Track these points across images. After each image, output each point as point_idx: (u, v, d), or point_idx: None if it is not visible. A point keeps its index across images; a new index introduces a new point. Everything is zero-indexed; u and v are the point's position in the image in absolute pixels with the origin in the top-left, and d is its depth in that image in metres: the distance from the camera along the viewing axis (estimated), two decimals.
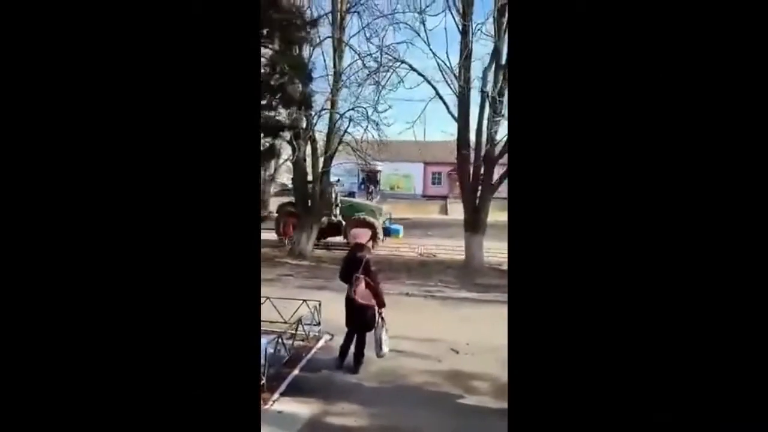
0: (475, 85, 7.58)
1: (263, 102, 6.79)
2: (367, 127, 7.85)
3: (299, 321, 4.27)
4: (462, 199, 8.31)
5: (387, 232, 11.60)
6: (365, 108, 7.80)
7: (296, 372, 3.67)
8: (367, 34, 7.49)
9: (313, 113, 8.28)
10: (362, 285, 3.68)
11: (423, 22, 7.33)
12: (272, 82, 6.95)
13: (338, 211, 10.62)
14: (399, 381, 3.63)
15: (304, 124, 8.18)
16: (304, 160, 8.72)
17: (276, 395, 3.22)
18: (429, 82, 7.37)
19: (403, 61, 7.24)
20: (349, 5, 8.12)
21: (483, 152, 7.72)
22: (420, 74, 7.38)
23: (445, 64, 7.30)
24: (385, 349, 3.73)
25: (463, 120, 7.71)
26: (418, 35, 7.38)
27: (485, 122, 7.55)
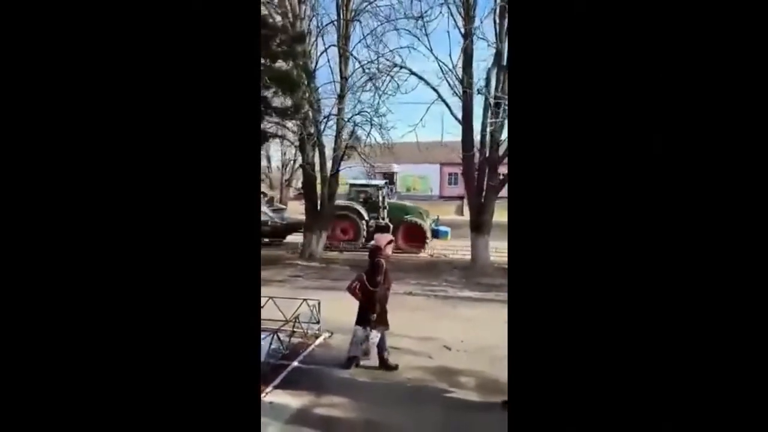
0: (479, 86, 7.64)
1: None
2: (370, 131, 8.01)
3: (296, 319, 4.45)
4: (467, 200, 8.36)
5: (435, 234, 11.61)
6: (368, 112, 7.97)
7: (291, 366, 3.86)
8: (368, 42, 7.66)
9: (321, 118, 8.51)
10: (359, 284, 3.94)
11: (424, 27, 7.44)
12: None
13: (386, 214, 10.71)
14: (389, 376, 3.77)
15: (312, 130, 8.41)
16: (313, 165, 8.96)
17: (269, 388, 3.41)
18: (431, 86, 7.48)
19: (402, 66, 7.37)
20: (353, 14, 8.32)
21: (487, 153, 7.76)
22: (420, 78, 7.50)
23: (448, 67, 7.39)
24: (358, 351, 3.88)
25: (466, 122, 7.78)
26: (419, 39, 7.49)
27: (489, 124, 7.59)
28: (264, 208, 10.80)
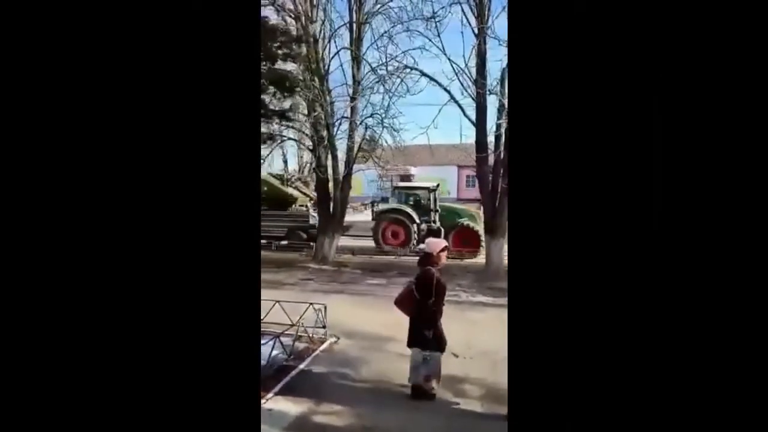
0: (492, 87, 7.49)
1: None
2: (381, 133, 7.97)
3: (296, 323, 4.42)
4: (481, 202, 8.21)
5: None
6: (379, 115, 7.93)
7: (294, 372, 3.83)
8: (379, 44, 7.62)
9: (332, 121, 8.52)
10: (407, 295, 3.38)
11: (436, 27, 7.35)
12: None
13: (437, 218, 10.48)
14: (392, 383, 3.70)
15: (324, 133, 8.44)
16: (325, 168, 8.98)
17: (270, 394, 3.40)
18: (442, 87, 7.38)
19: (412, 68, 7.30)
20: (365, 17, 8.30)
21: (501, 155, 7.60)
22: (432, 79, 7.41)
23: (461, 68, 7.28)
24: (419, 378, 3.29)
25: (480, 123, 7.64)
26: (431, 41, 7.41)
27: (503, 125, 7.43)
28: (313, 213, 10.70)
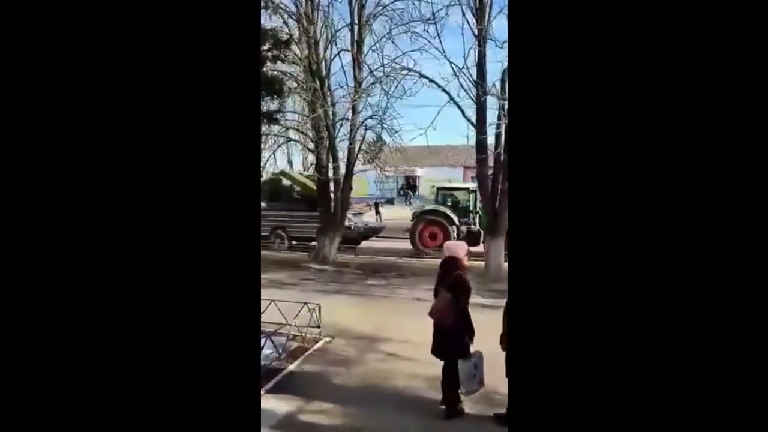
0: (492, 88, 7.47)
1: None
2: (381, 133, 7.99)
3: (290, 323, 4.45)
4: (482, 203, 8.19)
5: None
6: (379, 116, 7.96)
7: (286, 371, 3.87)
8: (379, 46, 7.66)
9: (332, 122, 8.57)
10: (443, 304, 3.14)
11: (436, 28, 7.36)
12: None
13: (477, 219, 10.24)
14: (383, 383, 3.71)
15: (325, 134, 8.49)
16: (327, 169, 9.02)
17: (261, 392, 3.43)
18: (441, 88, 7.38)
19: (410, 69, 7.31)
20: (367, 19, 8.34)
21: (501, 157, 7.58)
22: (431, 80, 7.41)
23: (460, 69, 7.28)
24: (475, 386, 3.12)
25: (480, 124, 7.62)
26: (430, 42, 7.42)
27: (503, 126, 7.41)
28: (349, 214, 10.55)
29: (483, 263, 8.02)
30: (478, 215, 10.30)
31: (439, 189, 11.34)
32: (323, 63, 8.51)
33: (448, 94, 7.44)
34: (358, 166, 9.60)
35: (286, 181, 11.54)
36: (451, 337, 3.14)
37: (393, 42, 7.81)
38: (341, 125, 8.83)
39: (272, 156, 10.11)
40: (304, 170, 16.27)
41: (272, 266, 8.46)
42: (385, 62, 7.39)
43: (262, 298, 3.55)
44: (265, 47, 7.07)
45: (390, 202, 22.88)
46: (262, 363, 3.77)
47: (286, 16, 8.24)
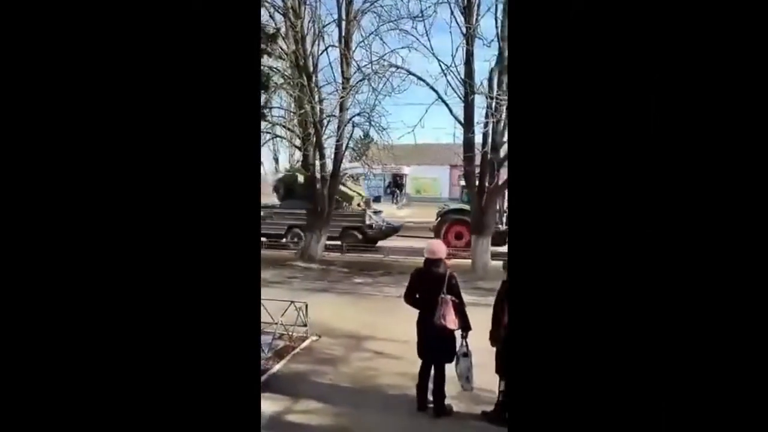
0: (480, 87, 7.49)
1: None
2: (368, 131, 7.95)
3: (277, 321, 4.39)
4: (469, 201, 8.23)
5: None
6: (367, 113, 7.91)
7: (273, 370, 3.81)
8: (367, 42, 7.60)
9: (319, 119, 8.48)
10: (451, 308, 3.03)
11: (424, 26, 7.35)
12: None
13: (505, 219, 9.84)
14: (370, 382, 3.69)
15: (312, 130, 8.40)
16: (313, 165, 8.93)
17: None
18: (429, 86, 7.37)
19: (398, 67, 7.29)
20: (355, 14, 8.27)
21: (489, 155, 7.62)
22: (420, 78, 7.40)
23: (448, 67, 7.28)
24: (474, 381, 3.11)
25: (467, 123, 7.65)
26: (418, 40, 7.40)
27: (490, 124, 7.45)
28: (369, 212, 10.41)
29: (470, 261, 8.07)
30: (506, 215, 9.95)
31: (463, 187, 11.04)
32: (310, 58, 8.40)
33: (436, 92, 7.45)
34: (345, 164, 9.52)
35: (302, 178, 11.04)
36: (451, 340, 3.09)
37: (381, 39, 7.78)
38: (329, 122, 8.75)
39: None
40: (291, 167, 16.06)
41: None
42: (373, 59, 7.34)
43: None
44: None
45: (377, 200, 22.88)
46: None
47: (272, 10, 8.11)
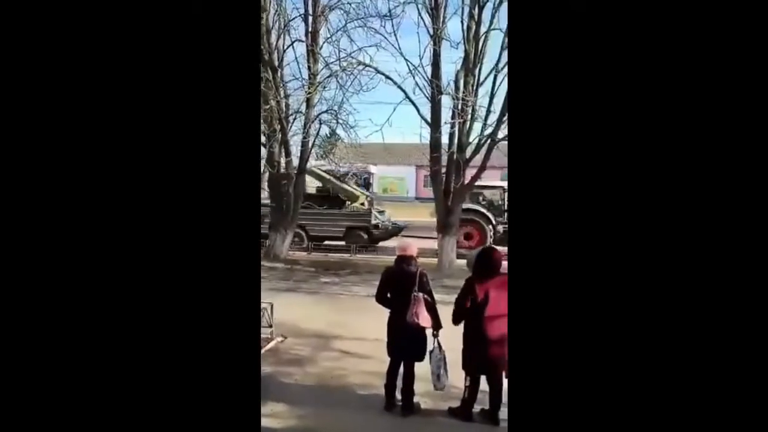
0: (447, 88, 7.59)
1: None
2: (336, 128, 7.87)
3: None
4: (435, 201, 8.33)
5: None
6: (335, 110, 7.83)
7: None
8: (334, 39, 7.52)
9: (285, 115, 8.30)
10: (423, 306, 3.01)
11: (392, 25, 7.36)
12: None
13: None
14: (338, 382, 3.64)
15: (277, 127, 8.20)
16: (278, 162, 8.73)
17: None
18: (397, 85, 7.40)
19: (366, 65, 7.26)
20: (322, 10, 8.15)
21: (455, 155, 7.73)
22: (387, 77, 7.41)
23: (416, 68, 7.33)
24: (446, 380, 3.08)
25: (434, 123, 7.73)
26: (386, 39, 7.40)
27: (456, 125, 7.57)
28: (374, 212, 10.04)
29: (436, 260, 8.16)
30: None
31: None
32: (276, 53, 8.20)
33: (403, 91, 7.49)
34: (311, 162, 9.37)
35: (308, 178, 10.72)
36: (422, 338, 3.07)
37: (349, 36, 7.71)
38: (295, 118, 8.58)
39: None
40: None
41: None
42: (341, 56, 7.26)
43: None
44: None
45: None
46: None
47: None
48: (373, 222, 9.81)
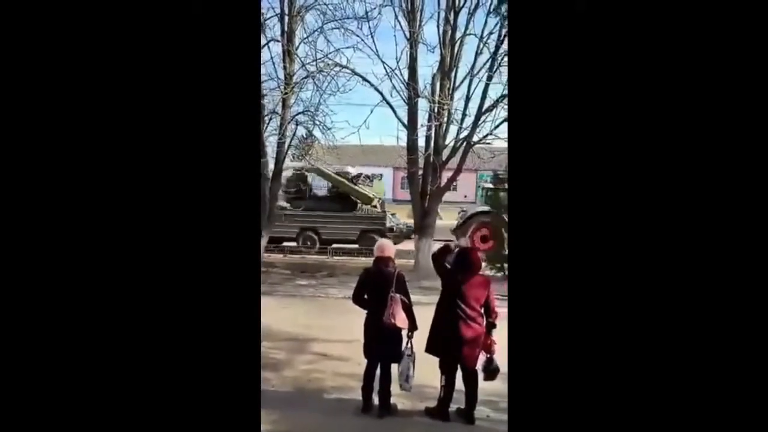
0: (424, 91, 7.66)
1: None
2: (312, 129, 7.81)
3: None
4: (411, 203, 8.38)
5: None
6: (311, 111, 7.76)
7: None
8: (310, 39, 7.47)
9: (263, 115, 8.17)
10: (400, 307, 2.99)
11: (369, 27, 7.37)
12: None
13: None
14: (314, 385, 3.60)
15: None
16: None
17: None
18: (374, 87, 7.41)
19: (343, 66, 7.25)
20: (298, 9, 8.07)
21: (431, 158, 7.80)
22: (364, 79, 7.41)
23: (393, 70, 7.36)
24: (413, 381, 3.08)
25: (411, 125, 7.78)
26: (363, 41, 7.41)
27: (433, 128, 7.64)
28: (389, 216, 9.80)
29: (412, 262, 8.21)
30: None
31: (485, 189, 10.83)
32: None
33: (381, 93, 7.50)
34: (287, 163, 9.25)
35: (318, 178, 10.45)
36: (398, 339, 3.09)
37: (326, 37, 7.67)
38: (270, 119, 8.45)
39: None
40: None
41: None
42: (318, 57, 7.21)
43: None
44: None
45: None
46: None
47: None
48: (388, 225, 9.70)
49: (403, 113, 7.79)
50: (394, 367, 3.13)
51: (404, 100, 7.57)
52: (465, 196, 23.80)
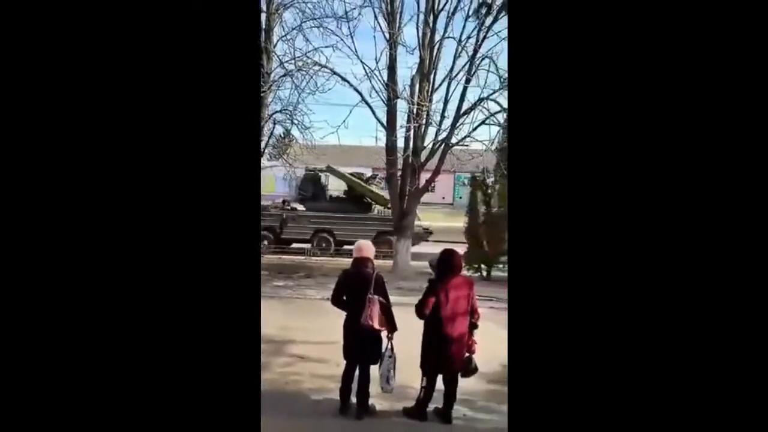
0: (403, 92, 7.69)
1: None
2: (290, 129, 7.73)
3: None
4: (390, 204, 8.41)
5: None
6: (289, 110, 7.67)
7: None
8: (289, 37, 7.39)
9: None
10: (377, 308, 2.97)
11: (349, 27, 7.35)
12: None
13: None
14: (292, 387, 3.57)
15: None
16: None
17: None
18: (354, 87, 7.40)
19: (322, 66, 7.21)
20: (277, 7, 7.97)
21: (410, 159, 7.85)
22: (343, 78, 7.39)
23: (372, 71, 7.36)
24: (394, 382, 3.08)
25: (390, 126, 7.80)
26: (343, 41, 7.39)
27: (412, 129, 7.69)
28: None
29: (391, 262, 8.23)
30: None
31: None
32: None
33: (360, 93, 7.49)
34: (264, 162, 9.11)
35: (332, 179, 10.26)
36: (377, 341, 3.09)
37: (304, 36, 7.60)
38: None
39: None
40: None
41: None
42: (296, 55, 7.14)
43: None
44: None
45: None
46: None
47: None
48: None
49: (382, 114, 7.81)
50: (374, 369, 3.13)
51: (383, 101, 7.59)
52: (443, 198, 24.02)
